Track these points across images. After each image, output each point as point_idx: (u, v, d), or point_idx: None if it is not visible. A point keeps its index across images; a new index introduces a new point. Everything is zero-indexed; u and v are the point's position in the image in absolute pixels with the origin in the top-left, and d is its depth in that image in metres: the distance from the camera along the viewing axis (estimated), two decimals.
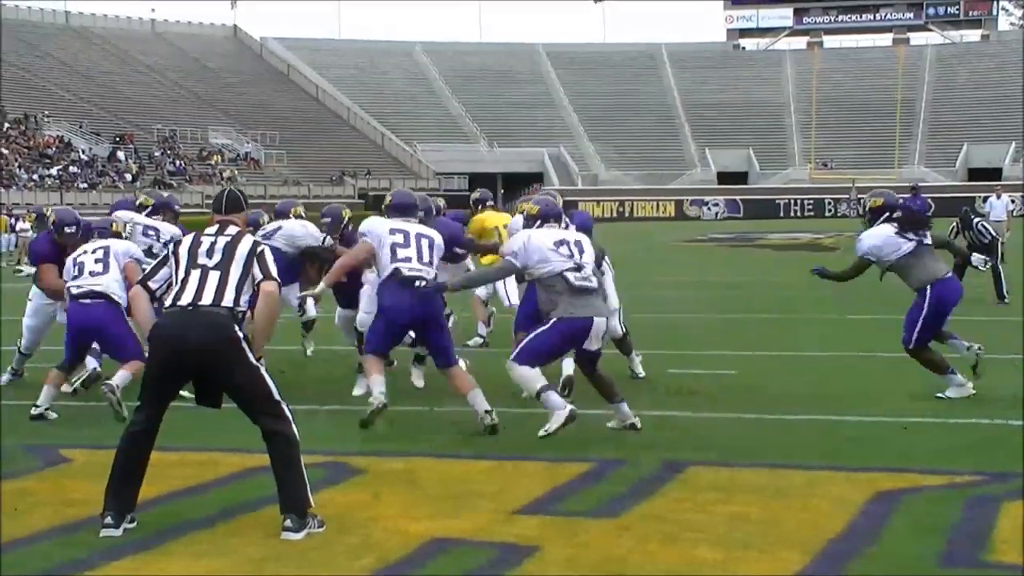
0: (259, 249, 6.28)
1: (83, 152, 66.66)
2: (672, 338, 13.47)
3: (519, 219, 9.79)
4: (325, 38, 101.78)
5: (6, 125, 66.97)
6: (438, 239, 8.81)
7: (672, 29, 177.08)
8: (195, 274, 6.12)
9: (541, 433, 7.85)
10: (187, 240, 6.35)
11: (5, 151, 61.62)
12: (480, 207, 12.77)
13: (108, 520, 5.82)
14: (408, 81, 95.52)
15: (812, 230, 46.63)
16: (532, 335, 8.25)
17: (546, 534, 5.70)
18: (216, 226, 6.34)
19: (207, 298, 6.04)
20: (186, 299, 6.05)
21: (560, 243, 8.31)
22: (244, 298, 6.14)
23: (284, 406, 6.02)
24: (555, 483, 6.73)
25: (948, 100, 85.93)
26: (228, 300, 6.05)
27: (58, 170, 62.24)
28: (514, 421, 8.49)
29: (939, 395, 9.23)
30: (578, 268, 8.21)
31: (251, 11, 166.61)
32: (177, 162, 71.63)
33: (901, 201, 10.28)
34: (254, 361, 6.02)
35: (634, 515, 6.03)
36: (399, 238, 8.60)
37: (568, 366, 9.20)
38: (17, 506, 6.33)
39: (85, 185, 59.48)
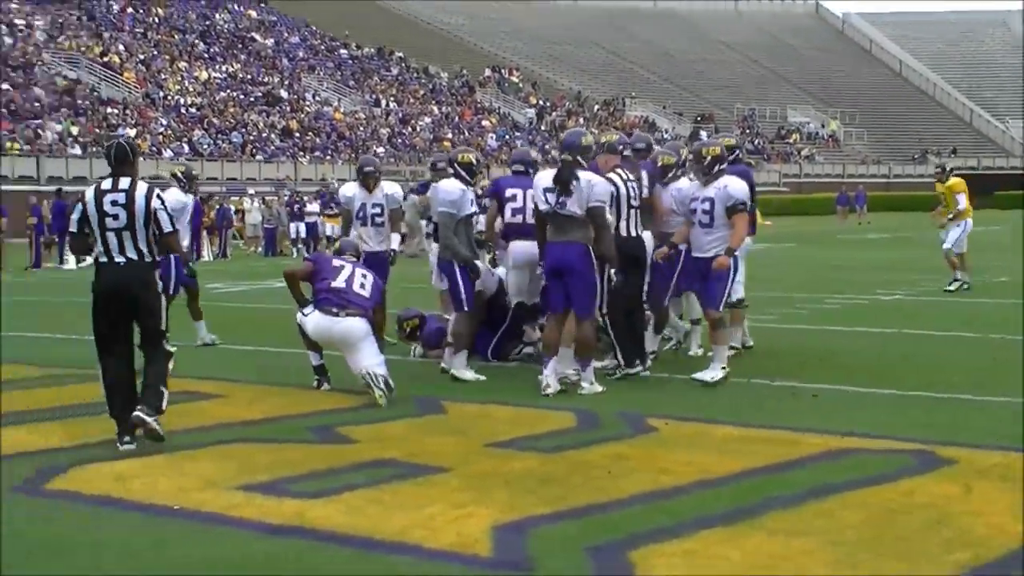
0: None
1: (666, 132, 69.10)
2: None
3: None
4: (911, 11, 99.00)
5: (596, 107, 70.75)
6: None
7: None
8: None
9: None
10: None
11: (595, 131, 65.09)
12: None
13: None
14: (1002, 52, 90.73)
15: None
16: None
17: None
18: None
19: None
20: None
21: None
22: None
23: None
24: None
25: None
26: None
27: None
28: None
29: None
30: None
31: None
32: (756, 140, 72.50)
33: None
34: None
35: None
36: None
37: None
38: (611, 469, 6.62)
39: None
